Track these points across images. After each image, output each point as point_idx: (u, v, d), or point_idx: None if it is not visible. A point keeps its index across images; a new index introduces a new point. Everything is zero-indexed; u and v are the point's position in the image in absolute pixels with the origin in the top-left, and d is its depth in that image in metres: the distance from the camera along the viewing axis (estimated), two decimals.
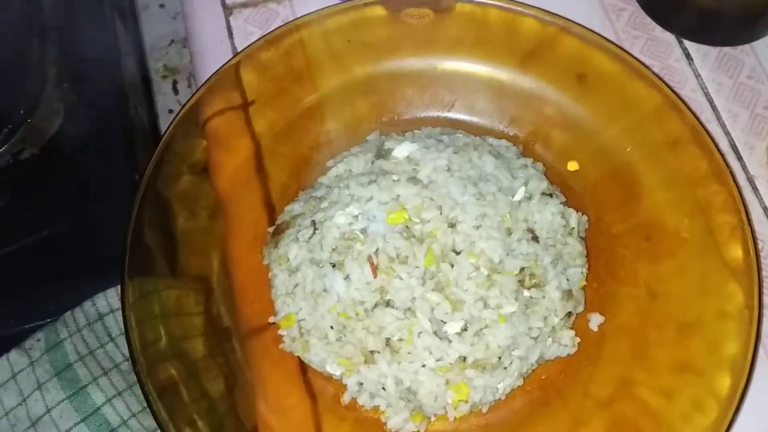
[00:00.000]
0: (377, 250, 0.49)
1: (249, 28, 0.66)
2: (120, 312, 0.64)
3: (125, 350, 0.64)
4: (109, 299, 0.64)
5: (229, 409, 0.52)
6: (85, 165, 0.71)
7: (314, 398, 0.52)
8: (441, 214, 0.49)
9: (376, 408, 0.50)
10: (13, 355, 0.63)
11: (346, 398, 0.51)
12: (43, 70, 0.72)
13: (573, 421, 0.50)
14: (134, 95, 0.85)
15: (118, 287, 0.65)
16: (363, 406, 0.51)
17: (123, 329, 0.64)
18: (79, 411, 0.61)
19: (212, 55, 0.65)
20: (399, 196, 0.50)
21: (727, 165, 0.54)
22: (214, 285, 0.55)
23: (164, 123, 0.92)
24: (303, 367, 0.53)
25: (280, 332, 0.52)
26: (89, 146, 0.72)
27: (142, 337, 0.50)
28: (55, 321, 0.64)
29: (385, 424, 0.50)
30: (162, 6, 1.05)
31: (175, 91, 1.00)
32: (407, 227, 0.49)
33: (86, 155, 0.72)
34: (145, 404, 0.62)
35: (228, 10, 0.67)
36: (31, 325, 0.65)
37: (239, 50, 0.61)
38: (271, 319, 0.53)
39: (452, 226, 0.49)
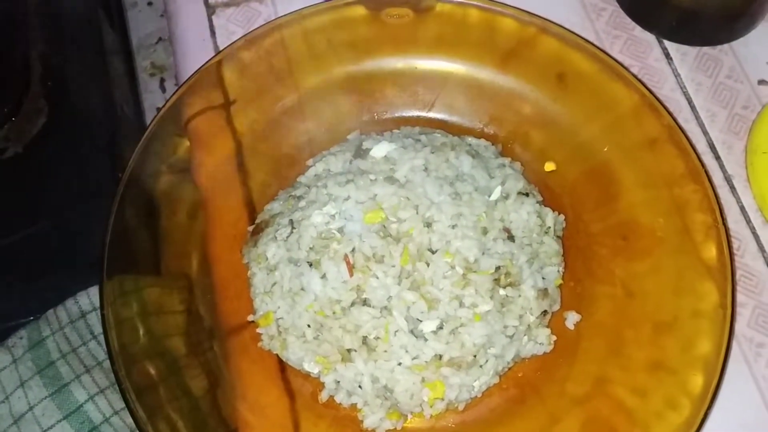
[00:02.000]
0: (354, 249, 0.49)
1: (231, 27, 0.66)
2: None
3: None
4: (91, 297, 0.65)
5: (212, 408, 0.52)
6: (69, 163, 0.72)
7: (292, 396, 0.52)
8: (417, 213, 0.50)
9: (353, 406, 0.51)
10: None
11: (323, 396, 0.51)
12: (28, 68, 0.73)
13: (549, 418, 0.51)
14: (120, 93, 0.85)
15: None
16: (341, 404, 0.51)
17: None
18: (62, 408, 0.62)
19: (194, 53, 0.66)
20: (376, 195, 0.50)
21: (704, 165, 0.54)
22: (195, 283, 0.55)
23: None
24: (281, 366, 0.53)
25: (258, 330, 0.53)
26: (74, 145, 0.73)
27: (121, 337, 0.50)
28: (38, 319, 0.64)
29: (362, 422, 0.51)
30: (150, 4, 1.05)
31: (163, 89, 1.00)
32: (384, 226, 0.50)
33: (71, 154, 0.72)
34: None
35: (210, 9, 0.67)
36: (14, 323, 0.65)
37: (221, 49, 0.61)
38: (250, 318, 0.53)
39: (428, 225, 0.49)
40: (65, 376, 0.62)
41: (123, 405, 0.63)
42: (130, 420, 0.63)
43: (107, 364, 0.64)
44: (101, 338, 0.64)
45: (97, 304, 0.65)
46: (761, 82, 0.62)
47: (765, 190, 0.58)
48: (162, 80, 1.00)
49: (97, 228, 0.57)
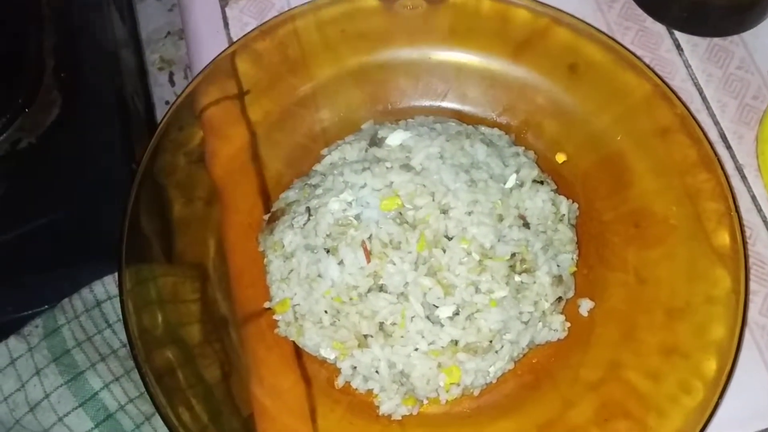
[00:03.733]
0: (371, 235, 0.49)
1: (244, 19, 0.67)
2: (117, 299, 0.66)
3: (123, 336, 0.65)
4: (106, 286, 0.65)
5: (226, 396, 0.52)
6: (82, 154, 0.72)
7: (309, 382, 0.53)
8: (433, 200, 0.50)
9: (369, 391, 0.51)
10: (12, 341, 0.63)
11: (340, 382, 0.52)
12: (42, 60, 0.73)
13: (563, 403, 0.51)
14: (131, 86, 0.86)
15: (116, 274, 0.66)
16: (357, 389, 0.51)
17: (119, 316, 0.65)
18: (77, 396, 0.62)
19: (208, 45, 0.66)
20: (392, 182, 0.51)
21: (716, 154, 0.55)
22: (211, 271, 0.56)
23: (161, 114, 0.92)
24: (298, 352, 0.54)
25: (275, 317, 0.53)
26: (87, 136, 0.73)
27: (140, 323, 0.51)
28: (53, 308, 0.65)
29: (378, 407, 0.51)
30: None
31: (172, 82, 1.01)
32: (400, 213, 0.50)
33: (84, 145, 0.72)
34: (142, 389, 0.63)
35: (224, 1, 0.68)
36: (30, 312, 0.65)
37: (235, 40, 0.62)
38: (266, 305, 0.54)
39: (444, 212, 0.50)
40: (81, 364, 0.62)
41: (138, 393, 0.64)
42: (145, 408, 0.64)
43: (122, 352, 0.64)
44: (116, 327, 0.65)
45: (112, 293, 0.65)
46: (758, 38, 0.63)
47: None
48: (171, 74, 1.01)
49: (110, 218, 0.57)
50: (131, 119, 0.81)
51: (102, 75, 0.79)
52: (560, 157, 0.59)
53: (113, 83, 0.80)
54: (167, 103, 0.96)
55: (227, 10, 0.67)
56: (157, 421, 0.63)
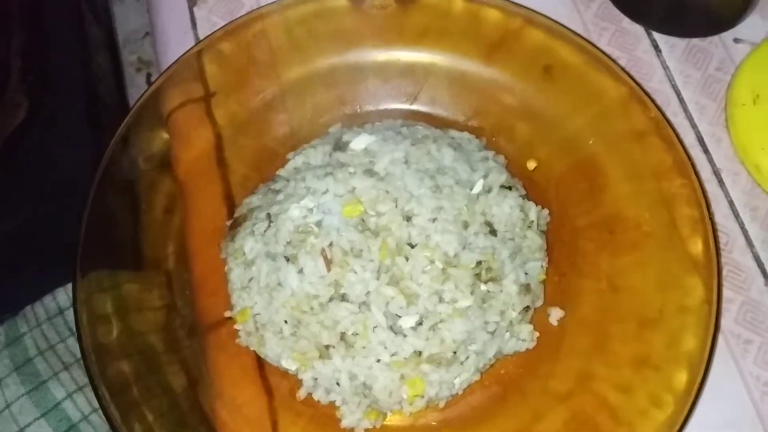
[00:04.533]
0: (331, 243, 0.48)
1: (213, 19, 0.65)
2: None
3: None
4: (69, 293, 0.64)
5: (192, 406, 0.51)
6: (49, 159, 0.71)
7: (270, 394, 0.51)
8: (396, 206, 0.48)
9: (332, 403, 0.50)
10: None
11: (301, 394, 0.50)
12: (8, 61, 0.72)
13: (532, 415, 0.50)
14: (105, 87, 0.84)
15: None
16: (319, 401, 0.50)
17: None
18: (39, 406, 0.61)
19: (176, 46, 0.64)
20: (354, 188, 0.49)
21: (691, 159, 0.53)
22: (173, 278, 0.54)
23: None
24: (259, 363, 0.52)
25: (236, 327, 0.52)
26: (54, 140, 0.72)
27: (94, 335, 0.49)
28: (15, 315, 0.63)
29: (341, 421, 0.50)
30: None
31: (149, 84, 0.99)
32: (362, 220, 0.48)
33: (51, 149, 0.71)
34: None
35: (192, 1, 0.66)
36: None
37: (200, 39, 0.60)
38: (227, 314, 0.52)
39: (408, 219, 0.48)
40: (43, 374, 0.61)
41: None
42: None
43: None
44: None
45: None
46: (737, 40, 0.62)
47: (745, 141, 0.57)
48: (149, 75, 0.99)
49: (75, 223, 0.56)
50: (102, 122, 0.80)
51: (73, 77, 0.78)
52: (531, 164, 0.57)
53: (85, 85, 0.79)
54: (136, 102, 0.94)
55: (195, 10, 0.66)
56: None
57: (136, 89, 0.97)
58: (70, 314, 0.63)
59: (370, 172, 0.50)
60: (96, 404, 0.62)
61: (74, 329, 0.63)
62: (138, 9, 1.04)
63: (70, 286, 0.64)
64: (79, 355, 0.63)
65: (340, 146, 0.53)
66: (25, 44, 0.73)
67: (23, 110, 0.70)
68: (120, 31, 0.98)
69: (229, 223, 0.55)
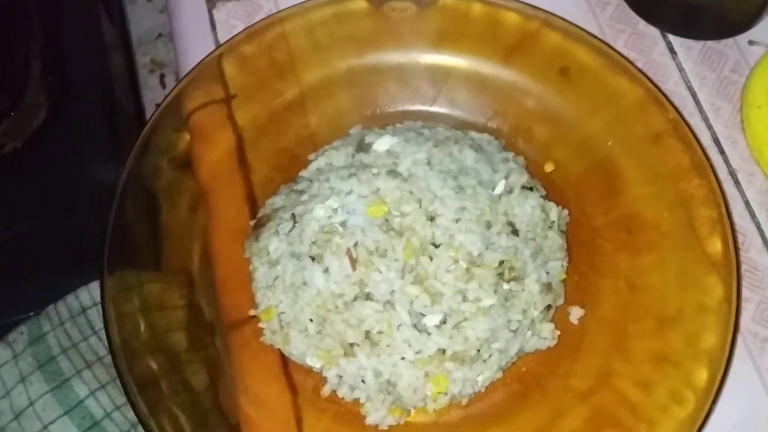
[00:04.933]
0: (356, 243, 0.49)
1: (232, 22, 0.66)
2: None
3: None
4: (92, 292, 0.64)
5: (213, 404, 0.52)
6: (69, 158, 0.71)
7: (295, 391, 0.52)
8: (420, 207, 0.49)
9: (356, 401, 0.51)
10: None
11: (326, 391, 0.51)
12: (28, 62, 0.72)
13: (553, 413, 0.50)
14: (120, 88, 0.85)
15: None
16: (343, 398, 0.51)
17: None
18: (63, 404, 0.61)
19: (195, 48, 0.65)
20: (378, 189, 0.50)
21: (709, 159, 0.54)
22: (196, 278, 0.55)
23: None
24: (284, 361, 0.53)
25: (260, 325, 0.52)
26: (74, 140, 0.73)
27: (122, 331, 0.50)
28: (39, 314, 0.64)
29: (365, 417, 0.50)
30: (149, 0, 1.05)
31: (163, 84, 1.00)
32: (387, 220, 0.49)
33: (71, 149, 0.72)
34: None
35: (211, 4, 0.67)
36: (14, 318, 0.65)
37: (222, 43, 0.61)
38: (252, 312, 0.53)
39: (431, 219, 0.49)
40: (66, 372, 0.62)
41: (124, 400, 0.63)
42: (131, 415, 0.63)
43: (108, 359, 0.63)
44: (102, 333, 0.64)
45: (98, 300, 0.64)
46: (751, 42, 0.63)
47: (761, 142, 0.58)
48: (162, 76, 1.00)
49: (96, 223, 0.56)
50: (120, 122, 0.80)
51: (90, 78, 0.78)
52: (548, 167, 0.58)
53: (102, 86, 0.80)
54: (158, 105, 0.95)
55: (215, 12, 0.67)
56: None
57: (150, 90, 0.98)
58: (92, 313, 0.64)
59: (393, 173, 0.51)
60: (118, 402, 0.63)
61: (96, 328, 0.65)
62: (150, 10, 1.04)
63: (92, 285, 0.65)
64: (101, 353, 0.64)
65: (362, 147, 0.53)
66: (45, 46, 0.74)
67: (44, 110, 0.71)
68: (133, 32, 0.99)
69: (252, 223, 0.56)
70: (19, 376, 0.62)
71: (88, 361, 0.63)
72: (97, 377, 0.62)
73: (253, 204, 0.58)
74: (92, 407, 0.61)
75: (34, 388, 0.61)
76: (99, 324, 0.64)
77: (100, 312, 0.64)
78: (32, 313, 0.64)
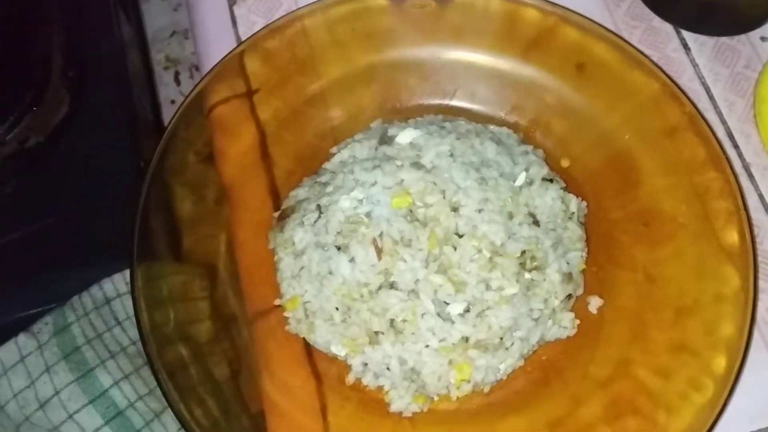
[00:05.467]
0: (381, 233, 0.50)
1: (252, 18, 0.67)
2: (126, 296, 0.66)
3: (132, 334, 0.65)
4: (115, 283, 0.65)
5: (235, 393, 0.53)
6: (90, 153, 0.72)
7: (319, 379, 0.53)
8: (444, 198, 0.50)
9: (380, 388, 0.52)
10: (22, 338, 0.64)
11: (350, 378, 0.52)
12: (50, 58, 0.73)
13: (572, 400, 0.51)
14: (138, 85, 0.86)
15: (124, 272, 0.66)
16: (367, 386, 0.52)
17: (129, 314, 0.66)
18: (87, 393, 0.62)
19: (216, 44, 0.66)
20: (403, 180, 0.51)
21: (725, 152, 0.55)
22: (221, 269, 0.56)
23: (166, 113, 0.93)
24: (308, 349, 0.54)
25: (285, 314, 0.53)
26: (94, 134, 0.74)
27: (152, 320, 0.51)
28: (63, 305, 0.65)
29: (389, 405, 0.51)
30: None
31: (177, 82, 1.01)
32: (411, 211, 0.50)
33: (91, 143, 0.73)
34: (151, 387, 0.64)
35: (232, 0, 0.68)
36: (39, 309, 0.66)
37: (243, 39, 0.62)
38: (277, 302, 0.54)
39: (455, 210, 0.50)
40: (90, 362, 0.63)
41: (147, 390, 0.64)
42: (154, 405, 0.64)
43: (131, 349, 0.65)
44: (126, 324, 0.65)
45: (121, 291, 0.65)
46: (764, 38, 0.64)
47: None
48: (177, 73, 1.01)
49: (118, 216, 0.57)
50: (138, 118, 0.81)
51: (109, 74, 0.79)
52: (564, 162, 0.59)
53: (120, 82, 0.81)
54: (173, 102, 0.96)
55: (235, 8, 0.68)
56: (167, 418, 0.64)
57: (165, 87, 0.99)
58: (116, 304, 0.65)
59: (417, 165, 0.52)
60: (142, 392, 0.64)
61: (120, 319, 0.66)
62: (164, 8, 1.05)
63: (116, 277, 0.66)
64: (124, 343, 0.65)
65: (385, 140, 0.54)
66: (65, 42, 0.75)
67: (65, 105, 0.71)
68: (147, 30, 1.00)
69: (276, 215, 0.57)
70: (44, 366, 0.63)
71: (112, 351, 0.64)
72: (120, 367, 0.63)
73: (276, 197, 0.59)
74: (116, 397, 0.62)
75: (59, 377, 0.62)
76: (123, 315, 0.65)
77: (124, 303, 0.66)
78: (57, 304, 0.65)
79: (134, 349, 0.65)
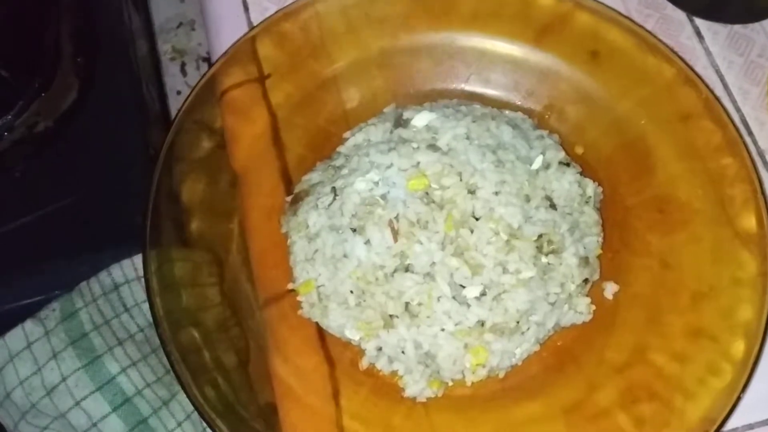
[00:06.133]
0: (398, 215, 0.49)
1: (264, 3, 0.67)
2: (135, 282, 0.65)
3: (140, 321, 0.65)
4: (124, 270, 0.65)
5: (244, 382, 0.52)
6: (98, 139, 0.72)
7: (332, 364, 0.53)
8: (461, 180, 0.50)
9: (393, 373, 0.51)
10: (29, 324, 0.63)
11: (364, 363, 0.51)
12: (59, 45, 0.73)
13: (588, 386, 0.51)
14: (145, 74, 0.86)
15: (133, 258, 0.66)
16: (381, 371, 0.51)
17: (137, 300, 0.65)
18: (95, 380, 0.62)
19: (228, 29, 0.66)
20: (419, 162, 0.50)
21: (742, 137, 0.55)
22: (234, 253, 0.55)
23: (173, 104, 0.92)
24: (321, 334, 0.53)
25: (298, 298, 0.53)
26: (102, 121, 0.73)
27: (165, 303, 0.51)
28: (71, 291, 0.64)
29: (403, 390, 0.51)
30: None
31: (184, 72, 1.01)
32: (427, 193, 0.50)
33: (99, 130, 0.72)
34: (159, 374, 0.63)
35: None
36: (47, 295, 0.65)
37: (255, 24, 0.61)
38: (290, 286, 0.54)
39: (472, 192, 0.50)
40: (98, 348, 0.62)
41: (155, 378, 0.63)
42: (162, 392, 0.63)
43: (140, 336, 0.64)
44: (134, 311, 0.65)
45: (130, 277, 0.65)
46: None
47: None
48: (183, 64, 1.01)
49: (125, 202, 0.57)
50: (146, 107, 0.81)
51: (118, 63, 0.79)
52: (578, 149, 0.58)
53: (128, 71, 0.80)
54: (179, 93, 0.96)
55: None
56: (175, 406, 0.63)
57: (172, 78, 0.99)
58: (124, 290, 0.64)
59: (433, 147, 0.51)
60: (149, 379, 0.63)
61: (128, 306, 0.65)
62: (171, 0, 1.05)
63: (125, 263, 0.66)
64: (133, 330, 0.65)
65: (401, 123, 0.54)
66: (74, 30, 0.74)
67: (74, 91, 0.71)
68: (154, 20, 0.99)
69: (289, 199, 0.56)
70: (51, 353, 0.62)
71: (120, 338, 0.63)
72: (128, 354, 0.63)
73: (288, 182, 0.58)
74: (124, 384, 0.62)
75: (66, 364, 0.62)
76: (131, 301, 0.64)
77: (133, 289, 0.65)
78: (64, 290, 0.65)
79: (142, 336, 0.64)
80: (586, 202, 0.53)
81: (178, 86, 0.98)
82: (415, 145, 0.51)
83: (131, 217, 0.57)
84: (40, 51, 0.71)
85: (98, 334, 0.62)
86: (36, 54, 0.71)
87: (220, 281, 0.55)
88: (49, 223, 0.67)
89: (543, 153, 0.53)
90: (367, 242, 0.49)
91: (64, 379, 0.62)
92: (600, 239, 0.54)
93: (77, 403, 0.61)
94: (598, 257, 0.54)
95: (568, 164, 0.53)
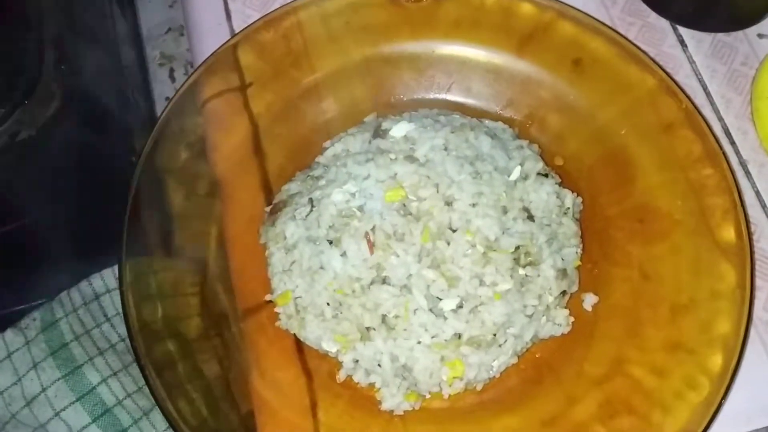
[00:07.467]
0: (374, 227, 0.49)
1: (247, 11, 0.66)
2: (116, 292, 0.65)
3: (121, 330, 0.64)
4: (105, 279, 0.64)
5: (224, 391, 0.52)
6: (81, 148, 0.71)
7: (310, 376, 0.52)
8: (438, 192, 0.50)
9: (371, 385, 0.51)
10: (9, 334, 0.63)
11: (341, 375, 0.51)
12: (42, 52, 0.72)
13: (566, 399, 0.51)
14: (132, 81, 0.85)
15: (114, 267, 0.65)
16: (358, 383, 0.51)
17: (118, 309, 0.65)
18: (75, 390, 0.61)
19: (211, 38, 0.65)
20: (396, 174, 0.50)
21: (722, 148, 0.54)
22: (212, 264, 0.55)
23: (161, 110, 0.91)
24: (299, 345, 0.53)
25: (276, 310, 0.53)
26: (86, 130, 0.72)
27: (140, 316, 0.50)
28: (52, 301, 0.64)
29: (380, 403, 0.51)
30: None
31: (172, 78, 1.00)
32: (404, 205, 0.50)
33: (83, 138, 0.72)
34: (140, 384, 0.63)
35: None
36: (27, 305, 0.65)
37: (237, 31, 0.61)
38: (268, 297, 0.53)
39: (449, 204, 0.49)
40: (78, 358, 0.62)
41: (136, 388, 0.63)
42: (143, 403, 0.63)
43: (120, 346, 0.64)
44: (115, 320, 0.64)
45: (111, 287, 0.64)
46: (761, 35, 0.64)
47: None
48: (171, 70, 1.00)
49: (108, 211, 0.56)
50: (131, 114, 0.80)
51: (103, 69, 0.78)
52: (558, 161, 0.58)
53: (114, 78, 0.80)
54: (167, 99, 0.95)
55: (230, 2, 0.67)
56: (156, 416, 0.63)
57: (159, 84, 0.98)
58: (105, 300, 0.64)
59: (411, 158, 0.51)
60: (130, 389, 0.63)
61: (109, 315, 0.65)
62: (160, 5, 1.04)
63: (105, 272, 0.65)
64: (113, 340, 0.64)
65: (379, 134, 0.54)
66: (58, 36, 0.74)
67: (57, 99, 0.70)
68: (143, 26, 0.99)
69: (268, 209, 0.56)
70: (32, 363, 0.62)
71: (101, 348, 0.63)
72: (109, 364, 0.62)
73: (269, 191, 0.58)
74: (104, 394, 0.61)
75: (47, 374, 0.61)
76: (112, 311, 0.64)
77: (114, 299, 0.65)
78: (45, 300, 0.64)
79: (123, 346, 0.63)
80: (565, 213, 0.53)
81: (168, 92, 0.97)
82: (392, 156, 0.51)
83: (113, 226, 0.56)
84: (22, 58, 0.71)
85: (78, 344, 0.62)
86: (18, 61, 0.70)
87: (199, 291, 0.55)
88: (30, 232, 0.67)
89: (521, 164, 0.53)
90: (344, 254, 0.49)
91: (44, 390, 0.61)
92: (579, 250, 0.53)
93: (57, 414, 0.61)
94: (578, 268, 0.53)
95: (546, 175, 0.53)
